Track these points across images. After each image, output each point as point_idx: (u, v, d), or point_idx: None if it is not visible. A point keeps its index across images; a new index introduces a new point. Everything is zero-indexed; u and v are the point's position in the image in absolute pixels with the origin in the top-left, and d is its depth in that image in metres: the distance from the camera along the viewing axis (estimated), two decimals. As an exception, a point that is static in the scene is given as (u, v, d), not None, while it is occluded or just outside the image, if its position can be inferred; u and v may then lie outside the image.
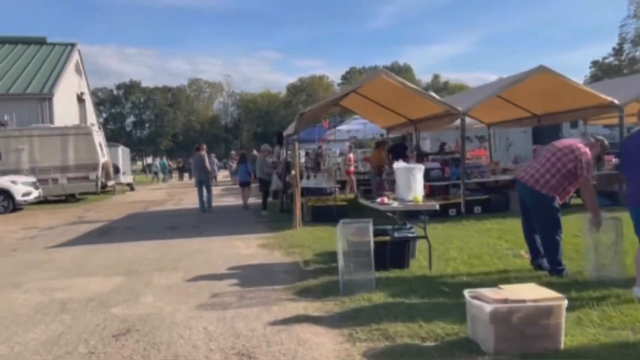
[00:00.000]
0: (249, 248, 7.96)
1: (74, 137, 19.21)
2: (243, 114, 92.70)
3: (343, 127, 23.07)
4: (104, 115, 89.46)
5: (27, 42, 28.53)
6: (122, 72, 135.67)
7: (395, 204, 5.92)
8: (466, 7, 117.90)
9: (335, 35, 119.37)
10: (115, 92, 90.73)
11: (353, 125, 22.01)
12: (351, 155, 16.14)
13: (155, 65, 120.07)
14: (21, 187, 16.76)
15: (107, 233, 10.50)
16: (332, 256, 6.80)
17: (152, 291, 5.58)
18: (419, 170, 6.16)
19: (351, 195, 14.21)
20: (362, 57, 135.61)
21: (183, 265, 6.88)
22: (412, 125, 13.27)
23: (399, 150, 13.15)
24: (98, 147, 19.73)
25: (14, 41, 28.39)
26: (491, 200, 10.41)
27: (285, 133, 14.92)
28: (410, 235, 5.94)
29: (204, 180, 13.66)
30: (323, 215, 10.11)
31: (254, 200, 15.17)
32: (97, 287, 5.83)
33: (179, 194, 22.55)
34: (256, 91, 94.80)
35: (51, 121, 21.37)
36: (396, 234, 5.84)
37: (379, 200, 6.04)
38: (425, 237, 5.87)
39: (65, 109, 23.73)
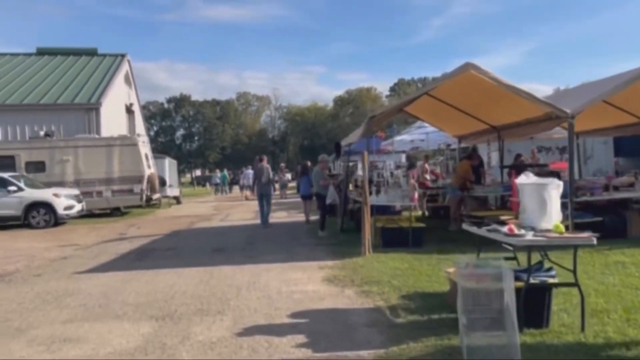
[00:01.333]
0: (312, 282, 6.37)
1: (119, 148, 18.35)
2: (290, 127, 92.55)
3: (403, 137, 21.23)
4: (155, 128, 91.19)
5: (78, 53, 28.40)
6: (173, 87, 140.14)
7: (529, 236, 4.12)
8: (516, 18, 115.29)
9: (381, 49, 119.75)
10: (165, 105, 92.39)
11: (414, 135, 20.18)
12: (427, 166, 14.30)
13: (204, 80, 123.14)
14: (63, 200, 15.93)
15: (146, 255, 9.17)
16: (425, 300, 5.14)
17: (189, 351, 4.06)
18: (555, 188, 4.41)
19: (417, 213, 12.45)
20: (409, 70, 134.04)
21: (231, 306, 5.35)
22: (494, 132, 11.40)
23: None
24: (143, 159, 18.81)
25: (66, 52, 28.33)
26: (605, 223, 8.43)
27: (343, 142, 13.38)
28: (550, 279, 4.18)
29: (266, 193, 13.07)
30: (396, 239, 8.43)
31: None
32: (119, 341, 4.37)
33: (226, 208, 21.37)
34: (303, 104, 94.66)
35: (98, 132, 20.68)
36: (532, 279, 4.09)
37: (505, 229, 4.28)
38: (575, 283, 4.10)
39: (113, 119, 23.11)
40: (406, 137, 20.93)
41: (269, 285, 6.29)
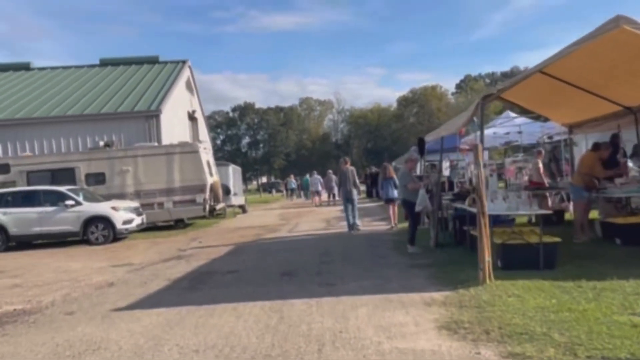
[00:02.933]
0: (423, 331, 4.41)
1: (180, 155, 17.19)
2: (353, 130, 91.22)
3: (488, 132, 18.64)
4: (221, 137, 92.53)
5: (140, 62, 28.00)
6: (236, 97, 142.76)
7: None
8: (582, 6, 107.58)
9: (441, 47, 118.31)
10: (230, 114, 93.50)
11: (504, 128, 17.57)
12: (540, 164, 11.86)
13: (266, 88, 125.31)
14: (122, 213, 14.86)
15: (202, 282, 7.55)
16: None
17: None
18: None
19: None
20: (473, 67, 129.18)
21: (313, 380, 3.51)
22: (628, 115, 8.94)
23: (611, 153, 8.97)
24: (205, 166, 17.55)
25: (128, 62, 28.00)
26: None
27: (428, 138, 11.31)
28: None
29: (351, 197, 12.50)
30: (521, 259, 6.30)
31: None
32: None
33: (294, 216, 19.77)
34: (365, 107, 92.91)
35: (159, 139, 19.75)
36: None
37: None
38: None
39: (175, 126, 22.22)
40: (494, 132, 18.34)
41: (362, 336, 4.38)
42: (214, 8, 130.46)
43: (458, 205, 8.39)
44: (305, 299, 5.83)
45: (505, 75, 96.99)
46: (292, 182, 36.42)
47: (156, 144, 18.67)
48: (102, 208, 14.76)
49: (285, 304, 5.67)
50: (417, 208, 8.50)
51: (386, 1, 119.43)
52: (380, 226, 13.58)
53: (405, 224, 12.76)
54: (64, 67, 27.92)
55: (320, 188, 26.59)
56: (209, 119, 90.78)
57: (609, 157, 8.77)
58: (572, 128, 11.33)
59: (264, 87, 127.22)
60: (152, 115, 20.04)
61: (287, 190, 41.21)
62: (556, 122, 11.99)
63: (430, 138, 10.98)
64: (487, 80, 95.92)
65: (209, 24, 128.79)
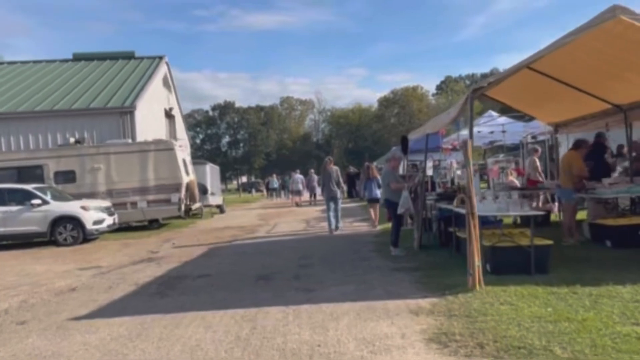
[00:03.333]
0: (410, 344, 3.98)
1: (154, 153, 16.55)
2: (334, 130, 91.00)
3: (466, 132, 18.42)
4: (201, 136, 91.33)
5: (115, 57, 27.15)
6: (217, 95, 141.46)
7: None
8: (561, 12, 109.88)
9: (423, 49, 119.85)
10: (210, 113, 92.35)
11: (488, 127, 17.30)
12: (538, 162, 11.49)
13: (247, 87, 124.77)
14: (92, 213, 14.17)
15: (172, 287, 7.03)
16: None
17: None
18: None
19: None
20: (453, 68, 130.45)
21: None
22: (618, 114, 8.68)
23: (596, 153, 8.71)
24: (181, 165, 16.94)
25: (102, 57, 27.13)
26: None
27: (412, 136, 10.94)
28: None
29: (335, 197, 12.42)
30: (511, 262, 5.93)
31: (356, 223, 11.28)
32: None
33: (273, 216, 19.26)
34: (346, 107, 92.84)
35: (133, 137, 19.03)
36: None
37: None
38: None
39: (151, 124, 21.48)
40: (477, 131, 18.08)
41: (343, 350, 3.94)
42: (195, 6, 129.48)
43: (443, 205, 8.03)
44: (281, 307, 5.37)
45: (484, 76, 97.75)
46: (275, 181, 35.82)
47: (130, 140, 17.98)
48: (71, 207, 14.07)
49: (260, 312, 5.21)
50: (400, 210, 8.10)
51: (367, 2, 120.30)
52: (362, 227, 13.19)
53: (388, 225, 12.43)
54: (35, 62, 26.89)
55: (301, 187, 26.13)
56: (188, 117, 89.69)
57: (593, 156, 8.51)
58: (557, 127, 11.09)
59: (244, 86, 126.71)
60: (126, 112, 19.32)
61: (268, 189, 40.80)
62: (541, 121, 11.74)
63: (414, 136, 10.61)
64: (467, 82, 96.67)
65: (189, 22, 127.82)
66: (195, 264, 8.97)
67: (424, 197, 8.39)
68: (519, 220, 10.97)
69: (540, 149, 12.13)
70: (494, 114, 17.25)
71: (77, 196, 15.48)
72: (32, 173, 16.04)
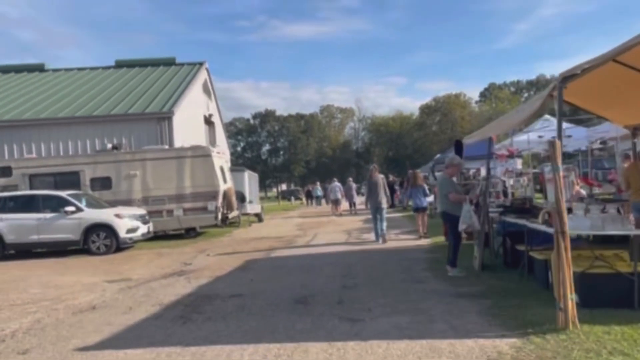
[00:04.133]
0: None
1: (191, 160, 15.98)
2: (374, 138, 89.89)
3: (524, 137, 16.95)
4: (242, 144, 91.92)
5: (156, 64, 27.07)
6: (258, 104, 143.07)
7: None
8: (608, 17, 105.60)
9: (463, 57, 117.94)
10: (251, 121, 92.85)
11: (543, 132, 15.85)
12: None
13: (287, 96, 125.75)
14: (126, 221, 13.65)
15: (198, 309, 6.19)
16: None
17: None
18: None
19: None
20: (496, 76, 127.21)
21: None
22: None
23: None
24: (218, 172, 16.31)
25: (144, 64, 27.08)
26: None
27: (468, 140, 9.83)
28: None
29: (380, 207, 12.07)
30: (609, 293, 4.78)
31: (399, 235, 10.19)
32: None
33: (312, 226, 18.36)
34: (387, 114, 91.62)
35: (170, 143, 18.60)
36: None
37: None
38: None
39: (190, 130, 21.07)
40: (531, 137, 16.64)
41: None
42: (236, 17, 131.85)
43: (512, 219, 6.90)
44: (323, 343, 4.42)
45: (531, 83, 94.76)
46: (318, 189, 34.83)
47: (166, 146, 17.50)
48: (105, 215, 13.59)
49: (297, 350, 4.27)
50: (461, 227, 7.01)
51: (407, 11, 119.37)
52: (410, 240, 12.10)
53: (440, 239, 11.29)
54: (79, 69, 27.15)
55: (339, 196, 25.16)
56: (229, 125, 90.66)
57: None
58: (636, 130, 9.70)
59: (285, 95, 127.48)
60: (164, 117, 18.93)
61: (311, 197, 40.10)
62: (617, 124, 10.36)
63: (471, 140, 9.50)
64: (512, 89, 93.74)
65: (231, 33, 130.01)
66: (227, 280, 8.13)
67: (487, 210, 7.27)
68: (591, 238, 9.70)
69: (630, 154, 10.56)
70: (551, 118, 15.80)
71: (113, 203, 15.08)
72: (68, 179, 15.76)
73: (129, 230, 13.62)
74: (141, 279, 9.16)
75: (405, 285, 6.80)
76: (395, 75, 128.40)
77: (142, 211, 14.60)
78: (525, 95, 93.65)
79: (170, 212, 15.93)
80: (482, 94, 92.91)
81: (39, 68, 27.12)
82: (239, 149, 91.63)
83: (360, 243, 12.32)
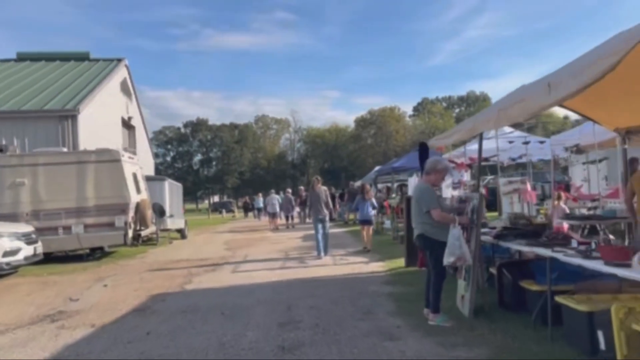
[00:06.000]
0: None
1: (95, 165, 13.20)
2: (310, 150, 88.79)
3: (475, 146, 15.30)
4: (172, 153, 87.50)
5: (66, 58, 23.73)
6: (190, 114, 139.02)
7: None
8: (533, 40, 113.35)
9: (396, 73, 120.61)
10: (182, 130, 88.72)
11: (496, 143, 14.24)
12: None
13: (221, 107, 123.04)
14: (4, 241, 10.70)
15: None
16: None
17: None
18: None
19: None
20: (429, 92, 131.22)
21: None
22: None
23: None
24: (130, 180, 13.62)
25: (52, 57, 23.66)
26: None
27: (438, 142, 7.96)
28: None
29: (324, 219, 11.79)
30: None
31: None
32: None
33: (244, 244, 15.97)
34: (322, 126, 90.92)
35: (75, 146, 15.65)
36: None
37: None
38: None
39: (102, 133, 18.10)
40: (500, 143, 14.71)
41: None
42: (168, 25, 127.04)
43: (516, 246, 4.98)
44: None
45: (461, 99, 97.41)
46: (260, 200, 32.17)
47: (64, 149, 14.56)
48: (-28, 234, 10.59)
49: None
50: (447, 260, 5.01)
51: (341, 27, 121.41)
52: (360, 264, 10.06)
53: (397, 263, 9.34)
54: (-29, 61, 23.29)
55: (277, 209, 22.94)
56: (159, 134, 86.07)
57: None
58: (628, 135, 8.23)
59: (218, 106, 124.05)
60: (68, 116, 15.96)
61: (250, 210, 38.24)
62: (607, 127, 8.88)
63: (442, 142, 7.59)
64: (444, 104, 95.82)
65: (163, 41, 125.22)
66: (113, 333, 5.67)
67: (479, 234, 5.29)
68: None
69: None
70: (507, 128, 14.30)
71: (-6, 218, 12.04)
72: None
73: (7, 253, 10.66)
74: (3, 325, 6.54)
75: (371, 343, 4.67)
76: (329, 89, 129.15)
77: (26, 228, 11.64)
78: (457, 110, 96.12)
79: (67, 228, 13.01)
80: (415, 109, 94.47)
81: None
82: (168, 158, 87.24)
83: (300, 267, 10.16)
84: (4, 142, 14.96)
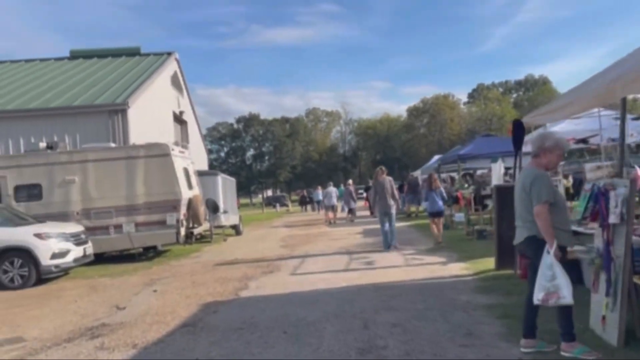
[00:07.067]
0: None
1: (144, 160, 12.51)
2: (361, 141, 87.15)
3: (562, 126, 13.45)
4: (225, 149, 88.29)
5: (118, 54, 23.49)
6: (241, 110, 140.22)
7: None
8: (587, 21, 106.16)
9: (446, 62, 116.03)
10: (235, 125, 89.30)
11: (581, 123, 12.38)
12: None
13: (270, 102, 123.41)
14: (52, 243, 10.14)
15: None
16: None
17: None
18: None
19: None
20: (480, 79, 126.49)
21: None
22: None
23: None
24: (181, 176, 12.87)
25: (103, 54, 23.50)
26: None
27: (535, 118, 6.52)
28: None
29: (389, 212, 11.18)
30: None
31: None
32: None
33: (301, 240, 14.96)
34: (374, 117, 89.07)
35: (125, 141, 15.12)
36: None
37: None
38: None
39: (153, 127, 17.58)
40: (569, 127, 13.11)
41: None
42: (216, 24, 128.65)
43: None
44: None
45: (519, 84, 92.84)
46: (319, 193, 30.66)
47: (112, 144, 13.98)
48: (20, 235, 10.06)
49: None
50: (536, 297, 3.72)
51: (388, 17, 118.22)
52: (437, 264, 8.75)
53: (485, 264, 7.96)
54: (26, 61, 23.43)
55: (335, 202, 21.82)
56: (212, 130, 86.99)
57: None
58: None
59: (268, 101, 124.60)
60: (117, 110, 15.43)
61: (307, 203, 37.64)
62: None
63: (544, 119, 6.16)
64: (501, 89, 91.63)
65: (212, 39, 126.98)
66: (156, 356, 4.70)
67: (630, 233, 3.87)
68: None
69: None
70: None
71: (44, 217, 11.58)
72: (-15, 188, 12.23)
73: (55, 255, 10.11)
74: (34, 342, 5.78)
75: (449, 333, 3.48)
76: (378, 80, 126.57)
77: (76, 228, 11.07)
78: (514, 95, 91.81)
79: (118, 227, 12.43)
80: (470, 95, 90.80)
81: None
82: (222, 154, 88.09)
83: (367, 268, 8.99)
84: (55, 139, 14.60)
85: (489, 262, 7.97)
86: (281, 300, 6.70)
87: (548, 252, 3.80)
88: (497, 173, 12.54)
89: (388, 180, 11.39)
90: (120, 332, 5.84)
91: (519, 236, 4.21)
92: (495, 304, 5.52)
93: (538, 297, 3.83)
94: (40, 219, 11.38)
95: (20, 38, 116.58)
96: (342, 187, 26.95)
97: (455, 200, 14.51)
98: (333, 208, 21.62)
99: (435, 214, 11.75)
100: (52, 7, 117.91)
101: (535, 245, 3.97)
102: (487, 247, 9.40)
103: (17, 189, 12.36)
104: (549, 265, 3.77)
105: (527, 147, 7.99)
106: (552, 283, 3.75)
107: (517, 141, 7.18)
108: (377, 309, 5.80)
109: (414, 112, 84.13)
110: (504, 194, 7.12)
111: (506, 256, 7.09)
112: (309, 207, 37.62)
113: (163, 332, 5.60)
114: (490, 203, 12.43)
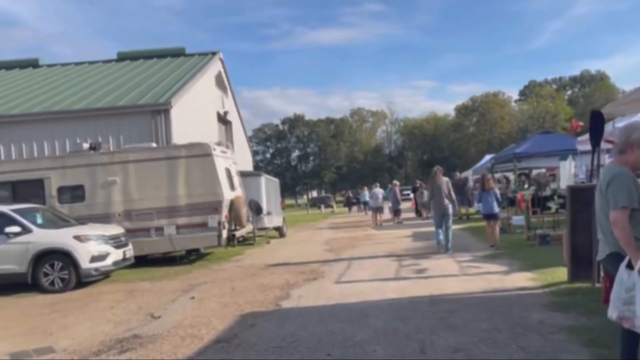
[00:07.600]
0: None
1: (186, 161, 12.19)
2: (407, 141, 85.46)
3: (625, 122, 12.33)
4: (271, 150, 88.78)
5: (163, 54, 23.56)
6: (287, 112, 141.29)
7: None
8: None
9: (495, 59, 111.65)
10: (280, 127, 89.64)
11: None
12: None
13: (315, 103, 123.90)
14: (91, 245, 9.91)
15: None
16: None
17: None
18: None
19: None
20: (532, 76, 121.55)
21: None
22: None
23: None
24: (222, 176, 12.47)
25: (149, 55, 23.61)
26: None
27: (613, 108, 5.59)
28: None
29: (447, 213, 10.88)
30: None
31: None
32: None
33: (346, 243, 14.29)
34: (420, 116, 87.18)
35: (168, 141, 14.90)
36: None
37: None
38: None
39: (195, 127, 17.33)
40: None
41: None
42: (261, 26, 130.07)
43: None
44: None
45: (574, 80, 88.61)
46: (366, 194, 29.78)
47: (154, 144, 13.74)
48: (60, 238, 9.87)
49: None
50: (610, 314, 2.96)
51: (433, 15, 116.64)
52: (498, 274, 7.89)
53: (558, 274, 7.03)
54: (76, 64, 23.86)
55: (381, 203, 21.04)
56: (258, 131, 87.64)
57: None
58: None
59: (313, 102, 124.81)
60: (160, 110, 15.23)
61: (353, 204, 37.06)
62: None
63: (629, 109, 5.26)
64: (554, 86, 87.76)
65: (257, 41, 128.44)
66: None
67: None
68: None
69: None
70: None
71: (87, 219, 11.47)
72: (30, 189, 12.23)
73: (95, 258, 9.86)
74: (62, 353, 5.42)
75: None
76: (424, 79, 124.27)
77: (115, 230, 10.82)
78: (569, 92, 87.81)
79: (160, 229, 12.15)
80: (521, 93, 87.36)
81: (33, 64, 23.99)
82: (268, 155, 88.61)
83: (419, 277, 8.23)
84: (99, 140, 14.54)
85: (559, 273, 7.05)
86: (325, 314, 6.05)
87: (627, 268, 3.01)
88: (566, 173, 11.52)
89: (445, 181, 11.15)
90: (150, 346, 5.36)
91: (602, 252, 3.40)
92: (577, 327, 4.67)
93: (612, 315, 3.11)
94: (82, 220, 11.25)
95: (74, 44, 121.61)
96: (388, 187, 26.12)
97: (512, 202, 13.48)
98: (380, 210, 20.82)
99: (489, 216, 11.21)
100: (102, 13, 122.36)
101: (619, 265, 3.16)
102: (553, 255, 8.47)
103: (61, 190, 12.29)
104: (627, 287, 2.98)
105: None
106: (628, 307, 2.96)
107: (595, 135, 6.26)
108: (434, 327, 5.06)
109: (462, 110, 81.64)
110: (579, 195, 6.22)
111: (581, 266, 6.20)
112: (354, 208, 36.90)
113: (195, 349, 5.08)
114: (553, 205, 11.38)
